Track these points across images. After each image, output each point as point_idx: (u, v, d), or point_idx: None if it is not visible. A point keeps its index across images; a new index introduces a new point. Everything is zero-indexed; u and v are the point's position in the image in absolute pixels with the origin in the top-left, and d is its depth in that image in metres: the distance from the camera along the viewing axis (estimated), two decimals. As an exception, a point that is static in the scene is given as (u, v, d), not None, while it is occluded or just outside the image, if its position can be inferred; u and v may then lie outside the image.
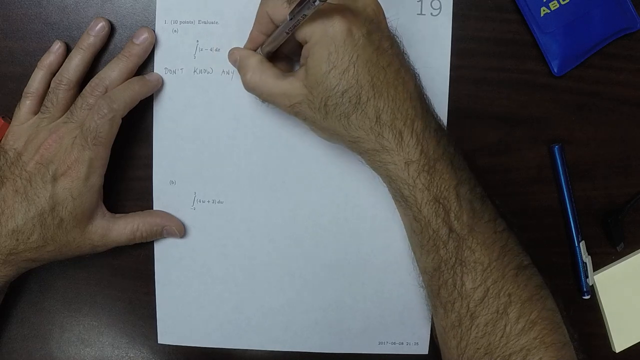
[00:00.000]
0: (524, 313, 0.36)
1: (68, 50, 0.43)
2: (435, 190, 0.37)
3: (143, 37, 0.42)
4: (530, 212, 0.48)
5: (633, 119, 0.47)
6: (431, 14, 0.45)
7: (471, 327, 0.37)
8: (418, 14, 0.45)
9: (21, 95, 0.43)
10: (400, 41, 0.39)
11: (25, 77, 0.43)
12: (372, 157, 0.38)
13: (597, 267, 0.49)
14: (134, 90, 0.41)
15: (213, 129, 0.45)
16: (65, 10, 0.44)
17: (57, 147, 0.40)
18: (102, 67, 0.43)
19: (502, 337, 0.36)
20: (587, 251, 0.48)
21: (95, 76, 0.42)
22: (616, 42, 0.46)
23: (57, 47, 0.43)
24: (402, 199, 0.38)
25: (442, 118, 0.45)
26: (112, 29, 0.44)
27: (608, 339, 0.50)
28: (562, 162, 0.47)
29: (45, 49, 0.43)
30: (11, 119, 0.43)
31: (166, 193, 0.46)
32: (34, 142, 0.41)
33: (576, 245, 0.47)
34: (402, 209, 0.40)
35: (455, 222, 0.37)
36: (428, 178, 0.37)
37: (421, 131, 0.37)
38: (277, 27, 0.37)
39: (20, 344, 0.48)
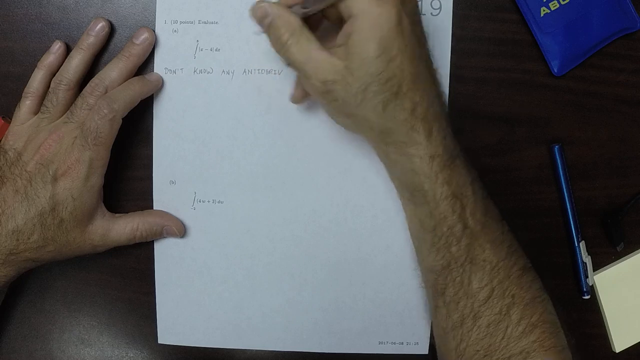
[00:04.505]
0: (525, 315, 0.36)
1: (68, 50, 0.43)
2: (454, 185, 0.37)
3: (143, 37, 0.42)
4: (530, 212, 0.48)
5: (633, 119, 0.47)
6: (431, 13, 0.45)
7: (473, 327, 0.37)
8: (418, 14, 0.45)
9: (21, 95, 0.43)
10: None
11: (25, 77, 0.43)
12: (398, 149, 0.37)
13: (597, 267, 0.49)
14: (134, 90, 0.41)
15: (213, 129, 0.45)
16: (65, 10, 0.44)
17: (57, 147, 0.40)
18: (102, 67, 0.43)
19: (502, 339, 0.36)
20: (587, 251, 0.48)
21: (95, 76, 0.42)
22: (616, 42, 0.46)
23: (57, 47, 0.43)
24: (419, 194, 0.38)
25: (442, 118, 0.45)
26: (112, 29, 0.44)
27: (608, 339, 0.49)
28: (562, 162, 0.47)
29: (45, 49, 0.43)
30: (11, 119, 0.43)
31: (166, 193, 0.46)
32: (34, 142, 0.41)
33: (576, 245, 0.47)
34: (414, 206, 0.39)
35: (470, 218, 0.37)
36: (449, 173, 0.37)
37: (445, 127, 0.37)
38: None
39: (21, 344, 0.48)
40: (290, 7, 0.36)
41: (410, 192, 0.39)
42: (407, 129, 0.36)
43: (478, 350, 0.36)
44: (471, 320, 0.37)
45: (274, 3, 0.36)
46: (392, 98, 0.35)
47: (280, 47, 0.36)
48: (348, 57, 0.35)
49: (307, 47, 0.35)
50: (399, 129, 0.36)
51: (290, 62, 0.37)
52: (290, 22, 0.35)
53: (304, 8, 0.35)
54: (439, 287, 0.39)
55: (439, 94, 0.38)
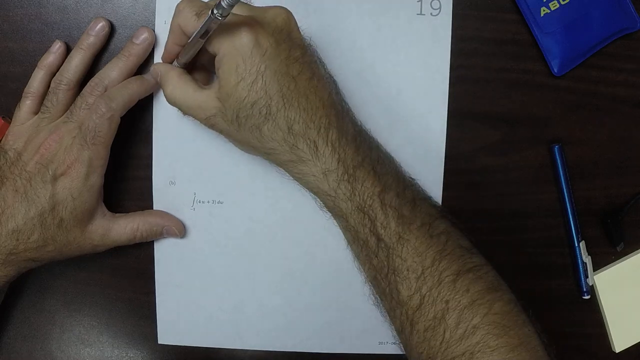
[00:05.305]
0: (463, 319, 0.35)
1: (68, 50, 0.43)
2: (358, 200, 0.37)
3: (143, 37, 0.42)
4: (530, 212, 0.48)
5: (633, 119, 0.47)
6: (431, 14, 0.45)
7: (412, 332, 0.36)
8: (418, 14, 0.45)
9: (21, 95, 0.43)
10: (315, 50, 0.39)
11: (25, 77, 0.43)
12: (290, 169, 0.38)
13: (597, 267, 0.49)
14: (132, 89, 0.41)
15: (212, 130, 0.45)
16: (65, 10, 0.44)
17: (57, 147, 0.40)
18: (102, 67, 0.43)
19: (442, 342, 0.35)
20: (587, 251, 0.48)
21: (95, 76, 0.42)
22: (616, 42, 0.46)
23: (57, 47, 0.43)
24: (329, 211, 0.39)
25: (442, 118, 0.45)
26: (112, 29, 0.44)
27: (608, 339, 0.50)
28: (562, 162, 0.47)
29: (45, 49, 0.43)
30: (11, 119, 0.43)
31: (166, 193, 0.46)
32: (34, 142, 0.41)
33: (576, 245, 0.47)
34: (335, 220, 0.39)
35: (382, 231, 0.36)
36: (349, 187, 0.37)
37: (336, 139, 0.37)
38: (189, 38, 0.37)
39: (21, 344, 0.48)
40: (172, 62, 0.41)
41: (326, 208, 0.39)
42: (289, 148, 0.37)
43: (421, 353, 0.36)
44: (409, 326, 0.36)
45: (162, 63, 0.42)
46: (264, 120, 0.36)
47: (167, 97, 0.39)
48: (218, 90, 0.36)
49: (186, 92, 0.38)
50: (281, 149, 0.37)
51: (180, 109, 0.40)
52: (170, 76, 0.39)
53: (180, 60, 0.40)
54: (375, 296, 0.39)
55: (325, 103, 0.37)
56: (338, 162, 0.36)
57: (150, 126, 0.45)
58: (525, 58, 0.46)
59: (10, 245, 0.39)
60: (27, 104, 0.42)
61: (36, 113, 0.43)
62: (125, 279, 0.48)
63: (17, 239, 0.39)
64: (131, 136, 0.45)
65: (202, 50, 0.37)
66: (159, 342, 0.48)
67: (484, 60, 0.46)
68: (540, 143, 0.47)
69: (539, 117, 0.47)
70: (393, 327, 0.39)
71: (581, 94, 0.47)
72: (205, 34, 0.34)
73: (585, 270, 0.48)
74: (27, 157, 0.40)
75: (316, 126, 0.36)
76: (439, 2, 0.45)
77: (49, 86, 0.42)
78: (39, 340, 0.48)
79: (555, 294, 0.49)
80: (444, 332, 0.35)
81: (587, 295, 0.48)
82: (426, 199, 0.40)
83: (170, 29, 0.39)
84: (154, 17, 0.44)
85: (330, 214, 0.39)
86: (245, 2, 0.38)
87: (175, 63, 0.41)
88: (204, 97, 0.38)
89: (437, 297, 0.35)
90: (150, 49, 0.43)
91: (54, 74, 0.43)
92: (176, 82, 0.39)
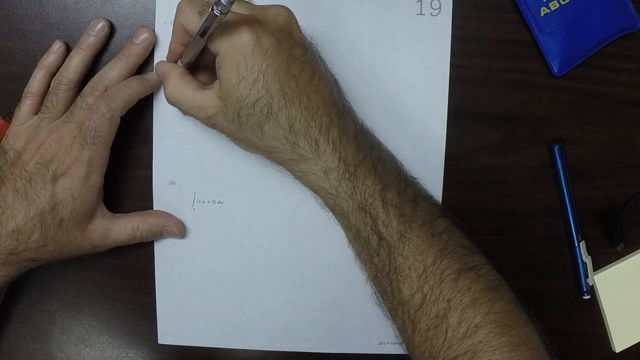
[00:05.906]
0: (465, 318, 0.35)
1: (68, 50, 0.43)
2: (359, 198, 0.37)
3: (143, 37, 0.42)
4: (530, 212, 0.48)
5: (633, 119, 0.47)
6: (431, 14, 0.45)
7: (414, 331, 0.36)
8: (418, 14, 0.45)
9: (21, 95, 0.43)
10: (316, 49, 0.39)
11: (25, 77, 0.43)
12: (291, 168, 0.38)
13: (597, 267, 0.49)
14: (132, 89, 0.41)
15: (213, 129, 0.45)
16: (65, 10, 0.44)
17: (57, 147, 0.40)
18: (102, 67, 0.43)
19: (444, 341, 0.35)
20: (587, 251, 0.48)
21: (95, 76, 0.42)
22: (616, 42, 0.46)
23: (57, 47, 0.43)
24: (330, 210, 0.39)
25: (442, 118, 0.45)
26: (112, 29, 0.44)
27: (608, 339, 0.50)
28: (562, 162, 0.47)
29: (45, 49, 0.43)
30: (11, 119, 0.43)
31: (166, 193, 0.46)
32: (34, 142, 0.41)
33: (576, 245, 0.47)
34: (337, 219, 0.40)
35: (384, 229, 0.36)
36: (350, 186, 0.37)
37: (337, 138, 0.37)
38: (191, 37, 0.37)
39: (21, 344, 0.48)
40: (176, 61, 0.41)
41: (327, 206, 0.39)
42: (290, 146, 0.37)
43: (423, 352, 0.36)
44: (411, 325, 0.36)
45: (165, 62, 0.42)
46: (265, 119, 0.36)
47: (167, 96, 0.39)
48: (219, 90, 0.36)
49: (186, 92, 0.38)
50: (283, 147, 0.37)
51: (179, 109, 0.40)
52: (171, 75, 0.39)
53: (184, 60, 0.40)
54: (377, 295, 0.39)
55: (326, 102, 0.37)
56: (339, 161, 0.36)
57: (150, 126, 0.45)
58: (525, 58, 0.46)
59: (10, 246, 0.39)
60: (27, 104, 0.42)
61: (36, 113, 0.43)
62: (125, 279, 0.48)
63: (17, 239, 0.39)
64: (131, 136, 0.45)
65: (205, 51, 0.37)
66: (159, 342, 0.48)
67: (484, 60, 0.46)
68: (540, 143, 0.47)
69: (539, 117, 0.47)
70: (395, 326, 0.39)
71: (581, 94, 0.47)
72: (206, 32, 0.34)
73: (585, 270, 0.48)
74: (27, 157, 0.40)
75: (317, 124, 0.36)
76: (439, 2, 0.45)
77: (49, 86, 0.42)
78: (39, 340, 0.48)
79: (555, 294, 0.49)
80: (446, 331, 0.35)
81: (587, 295, 0.48)
82: (427, 197, 0.40)
83: (173, 29, 0.39)
84: (154, 17, 0.44)
85: (331, 213, 0.39)
86: (246, 0, 0.38)
87: (179, 63, 0.41)
88: (205, 97, 0.38)
89: (439, 295, 0.35)
90: (150, 49, 0.43)
91: (54, 74, 0.43)
92: (177, 81, 0.39)
